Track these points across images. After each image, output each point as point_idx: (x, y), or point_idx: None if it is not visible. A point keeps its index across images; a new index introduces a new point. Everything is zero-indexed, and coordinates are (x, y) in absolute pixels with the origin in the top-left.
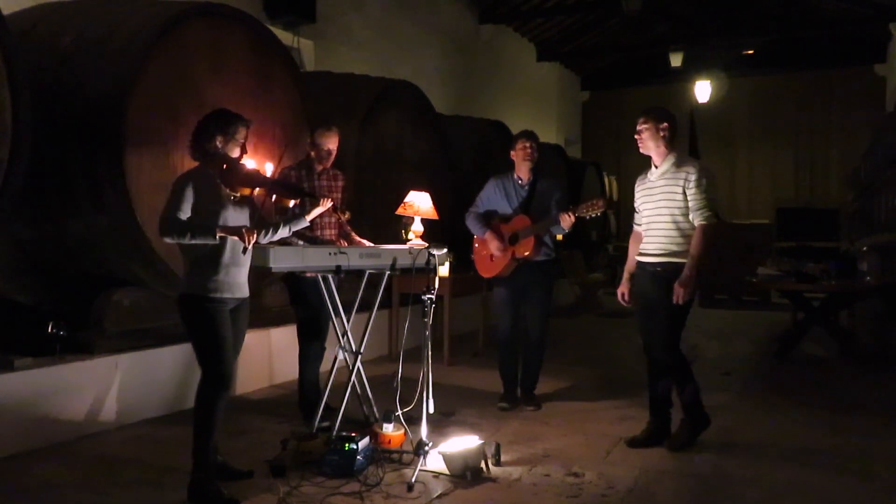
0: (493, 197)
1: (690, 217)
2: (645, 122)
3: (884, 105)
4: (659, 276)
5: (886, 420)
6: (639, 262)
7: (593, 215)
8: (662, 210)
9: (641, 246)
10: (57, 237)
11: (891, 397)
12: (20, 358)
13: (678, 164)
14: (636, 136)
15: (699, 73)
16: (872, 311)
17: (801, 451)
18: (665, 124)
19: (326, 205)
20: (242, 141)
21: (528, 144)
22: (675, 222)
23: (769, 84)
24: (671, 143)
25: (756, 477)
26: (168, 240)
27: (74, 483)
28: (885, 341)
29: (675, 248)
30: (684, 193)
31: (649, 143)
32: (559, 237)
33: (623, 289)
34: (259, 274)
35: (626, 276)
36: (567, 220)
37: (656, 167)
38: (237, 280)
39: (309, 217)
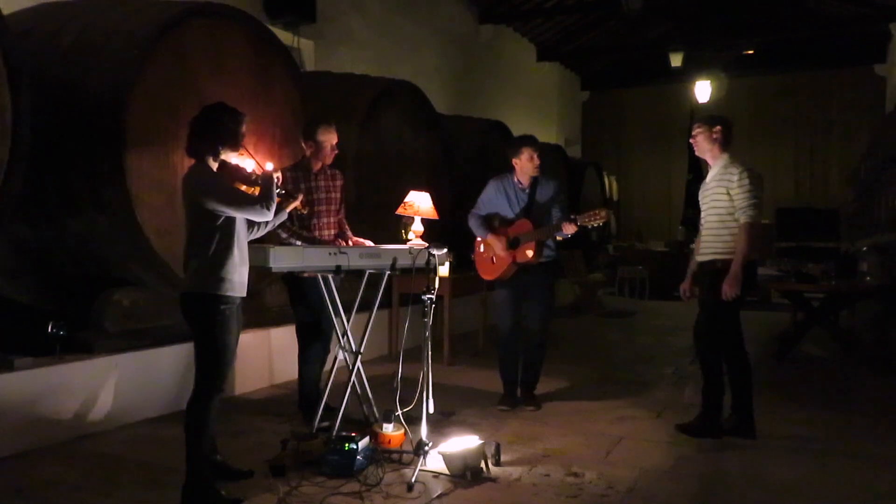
0: (493, 200)
1: (736, 216)
2: (699, 127)
3: (884, 105)
4: (713, 272)
5: (887, 420)
6: (696, 262)
7: (595, 225)
8: (712, 211)
9: (699, 246)
10: (57, 237)
11: (891, 397)
12: (20, 358)
13: (726, 166)
14: (691, 141)
15: (699, 73)
16: (872, 311)
17: (801, 451)
18: (718, 127)
19: (297, 201)
20: (244, 136)
21: (536, 155)
22: (722, 222)
23: (769, 84)
24: (725, 146)
25: (756, 477)
26: (266, 216)
27: (74, 483)
28: (885, 341)
29: (719, 246)
30: (729, 194)
31: (703, 146)
32: (559, 237)
33: (684, 286)
34: (259, 274)
35: (688, 273)
36: (570, 229)
37: (709, 171)
38: (244, 279)
39: (288, 209)
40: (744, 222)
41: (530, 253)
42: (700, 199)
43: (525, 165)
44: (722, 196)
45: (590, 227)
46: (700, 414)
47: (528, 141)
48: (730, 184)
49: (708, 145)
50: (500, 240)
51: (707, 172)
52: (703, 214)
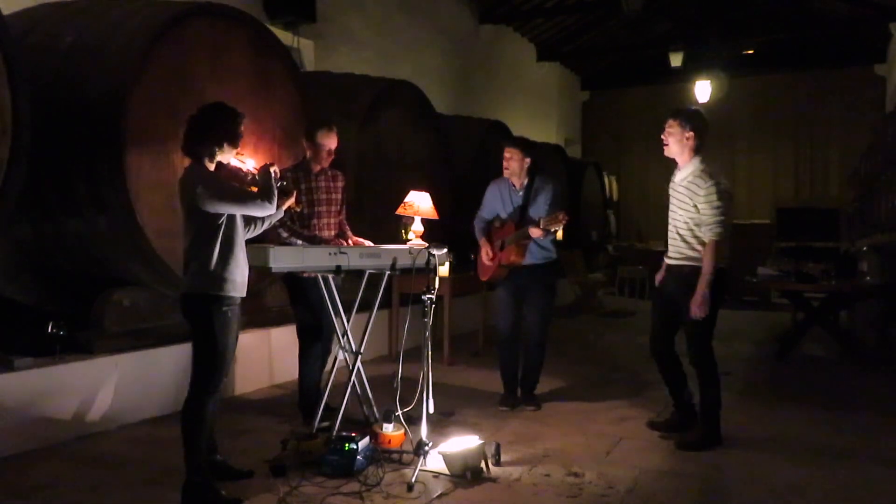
0: (492, 203)
1: (701, 231)
2: (671, 127)
3: (884, 105)
4: (682, 277)
5: (886, 419)
6: (665, 264)
7: (557, 228)
8: (680, 216)
9: (668, 247)
10: (57, 237)
11: (891, 397)
12: (20, 358)
13: (696, 175)
14: (662, 137)
15: (699, 73)
16: (872, 311)
17: (801, 451)
18: (690, 133)
19: (291, 199)
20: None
21: (507, 156)
22: (690, 230)
23: (769, 84)
24: (696, 151)
25: (756, 477)
26: (268, 210)
27: (74, 483)
28: (885, 341)
29: (691, 252)
30: (696, 206)
31: (674, 148)
32: (560, 235)
33: (660, 276)
34: (260, 274)
35: (663, 264)
36: (535, 233)
37: (679, 171)
38: (245, 279)
39: (283, 206)
40: (710, 240)
41: (512, 255)
42: (670, 195)
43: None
44: (688, 206)
45: (552, 230)
46: (698, 426)
47: (505, 142)
48: (697, 196)
49: (678, 149)
50: (489, 243)
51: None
52: (671, 213)
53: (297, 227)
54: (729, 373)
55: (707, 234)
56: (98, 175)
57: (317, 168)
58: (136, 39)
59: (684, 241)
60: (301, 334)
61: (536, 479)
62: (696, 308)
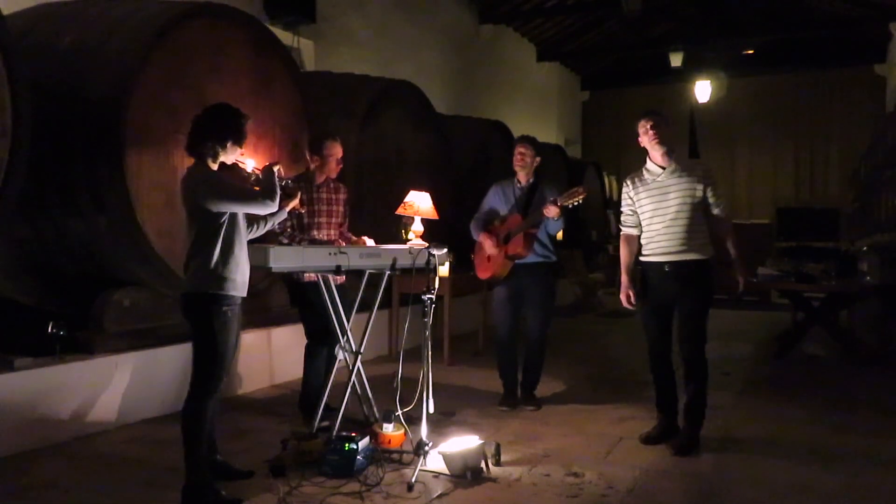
0: (493, 203)
1: (714, 211)
2: (663, 124)
3: (884, 105)
4: (689, 274)
5: (886, 419)
6: (653, 263)
7: (575, 203)
8: (681, 208)
9: (654, 246)
10: (57, 237)
11: (891, 396)
12: (20, 358)
13: (686, 163)
14: (653, 134)
15: (699, 73)
16: (872, 311)
17: (801, 451)
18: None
19: (295, 200)
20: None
21: (522, 150)
22: (695, 219)
23: (769, 84)
24: None
25: (756, 477)
26: (271, 208)
27: (74, 483)
28: (885, 341)
29: (694, 242)
30: (705, 191)
31: (667, 142)
32: (560, 235)
33: (629, 291)
34: (261, 273)
35: (626, 279)
36: (552, 211)
37: (662, 167)
38: (245, 279)
39: (287, 208)
40: (727, 215)
41: (519, 247)
42: (644, 196)
43: (515, 161)
44: (697, 192)
45: (570, 206)
46: (686, 427)
47: (519, 139)
48: (707, 180)
49: (669, 143)
50: (491, 238)
51: (647, 168)
52: (656, 212)
53: (299, 233)
54: (729, 373)
55: (723, 211)
56: (98, 175)
57: (321, 179)
58: (136, 40)
59: (687, 231)
60: (308, 336)
61: (536, 479)
62: (745, 279)
